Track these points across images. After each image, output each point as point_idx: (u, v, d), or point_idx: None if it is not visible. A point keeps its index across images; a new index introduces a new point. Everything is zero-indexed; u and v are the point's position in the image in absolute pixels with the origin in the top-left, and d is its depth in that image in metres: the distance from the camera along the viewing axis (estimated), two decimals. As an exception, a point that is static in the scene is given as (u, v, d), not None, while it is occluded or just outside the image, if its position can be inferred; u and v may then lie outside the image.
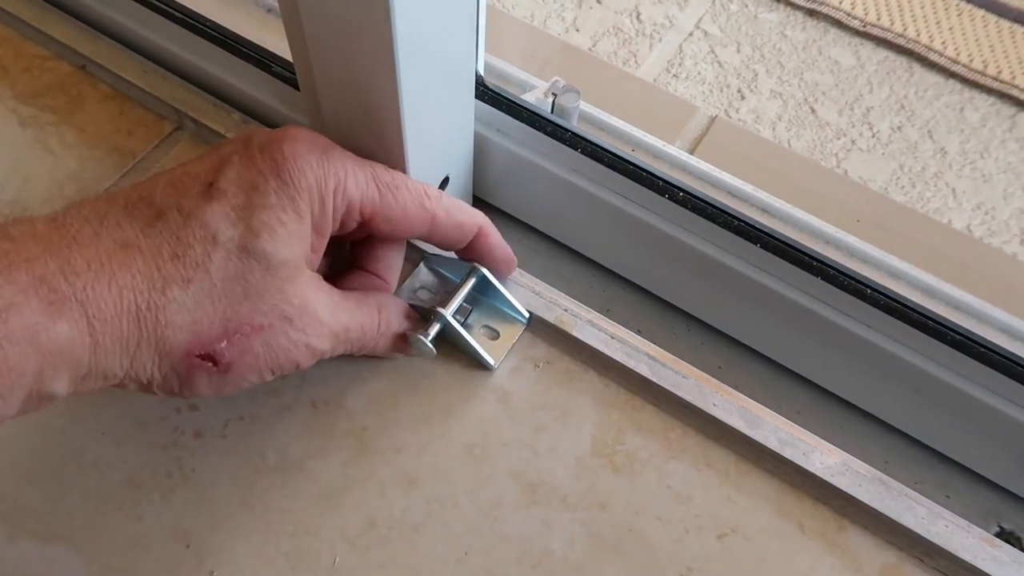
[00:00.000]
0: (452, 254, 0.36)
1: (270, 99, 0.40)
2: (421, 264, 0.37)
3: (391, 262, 0.35)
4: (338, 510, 0.32)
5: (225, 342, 0.27)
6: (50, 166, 0.40)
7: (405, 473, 0.33)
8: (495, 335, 0.36)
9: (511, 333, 0.36)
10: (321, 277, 0.30)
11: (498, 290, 0.35)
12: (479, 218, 0.34)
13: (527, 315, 0.36)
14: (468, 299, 0.35)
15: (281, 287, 0.27)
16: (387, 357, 0.35)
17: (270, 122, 0.41)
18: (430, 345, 0.33)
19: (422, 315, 0.34)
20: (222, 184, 0.27)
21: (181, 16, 0.41)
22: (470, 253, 0.34)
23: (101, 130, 0.42)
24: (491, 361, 0.35)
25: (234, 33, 0.40)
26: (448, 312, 0.34)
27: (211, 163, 0.28)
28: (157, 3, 0.41)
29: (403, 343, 0.34)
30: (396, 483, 0.33)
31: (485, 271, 0.35)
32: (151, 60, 0.43)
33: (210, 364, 0.27)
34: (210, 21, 0.41)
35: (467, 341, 0.34)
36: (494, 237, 0.34)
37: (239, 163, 0.28)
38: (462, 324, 0.35)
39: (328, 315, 0.29)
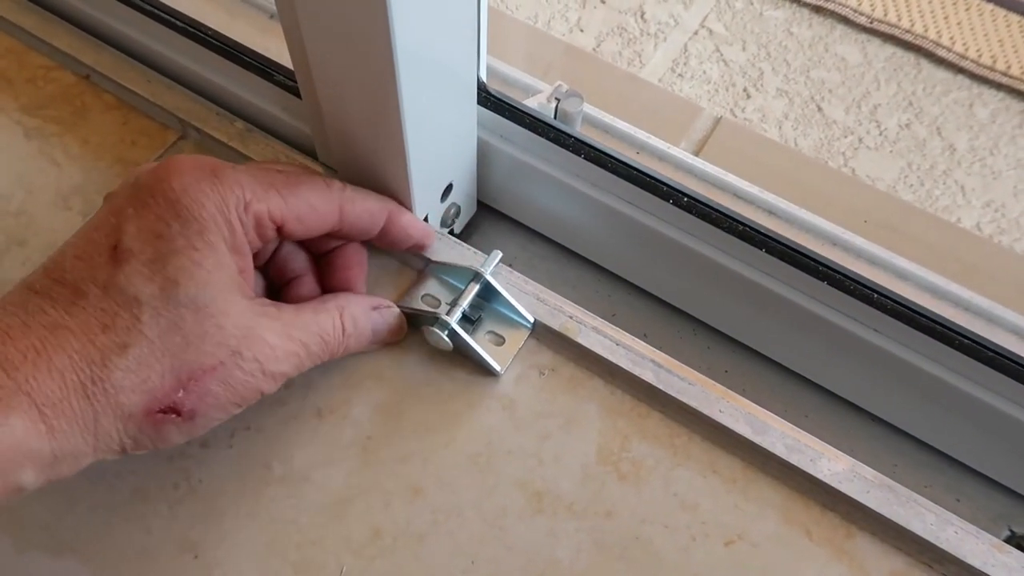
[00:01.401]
0: (455, 261, 0.36)
1: (272, 107, 0.40)
2: (426, 272, 0.37)
3: (348, 262, 0.34)
4: (344, 520, 0.32)
5: (181, 391, 0.27)
6: (55, 177, 0.41)
7: (410, 482, 0.33)
8: (500, 341, 0.36)
9: (516, 338, 0.36)
10: (263, 299, 0.30)
11: (502, 296, 0.35)
12: (388, 203, 0.34)
13: (532, 320, 0.36)
14: (473, 305, 0.35)
15: (219, 324, 0.27)
16: (372, 351, 0.35)
17: (273, 131, 0.41)
18: (447, 339, 0.34)
19: (427, 322, 0.34)
20: (126, 243, 0.27)
21: (184, 26, 0.41)
22: (387, 238, 0.34)
23: (105, 140, 0.42)
24: (497, 367, 0.35)
25: (236, 42, 0.40)
26: (453, 319, 0.34)
27: (108, 224, 0.28)
28: (160, 13, 0.41)
29: (389, 335, 0.34)
30: (401, 493, 0.32)
31: (488, 277, 0.35)
32: (154, 70, 0.43)
33: (174, 415, 0.27)
34: (212, 30, 0.41)
35: (472, 347, 0.34)
36: (406, 216, 0.34)
37: (135, 215, 0.27)
38: (468, 331, 0.35)
39: (278, 337, 0.29)
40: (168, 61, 0.43)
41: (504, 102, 0.38)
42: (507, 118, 0.38)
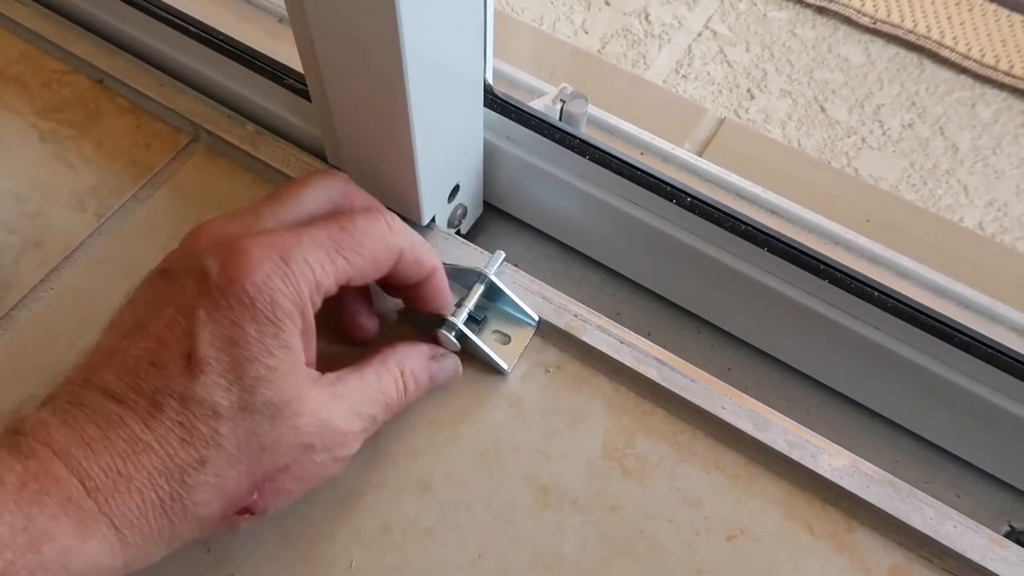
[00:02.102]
0: (464, 265, 0.37)
1: (283, 111, 0.41)
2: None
3: (437, 289, 0.34)
4: (354, 515, 0.33)
5: (256, 494, 0.27)
6: (70, 179, 0.41)
7: (419, 478, 0.33)
8: (506, 340, 0.36)
9: (522, 337, 0.36)
10: (327, 377, 0.29)
11: (507, 295, 0.36)
12: (436, 258, 0.33)
13: (536, 318, 0.36)
14: (478, 306, 0.36)
15: (294, 425, 0.27)
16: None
17: (284, 133, 0.42)
18: (454, 339, 0.34)
19: (434, 325, 0.35)
20: (201, 351, 0.26)
21: (196, 31, 0.41)
22: (417, 290, 0.33)
23: (119, 143, 0.43)
24: (505, 366, 0.35)
25: (247, 47, 0.41)
26: (459, 320, 0.34)
27: (180, 326, 0.26)
28: (173, 18, 0.42)
29: (448, 382, 0.34)
30: (410, 488, 0.33)
31: (492, 276, 0.36)
32: (167, 74, 0.44)
33: (247, 514, 0.28)
34: (224, 35, 0.41)
35: (480, 347, 0.35)
36: (444, 280, 0.34)
37: (208, 320, 0.26)
38: (475, 331, 0.35)
39: (348, 422, 0.29)
40: (180, 65, 0.43)
41: (510, 104, 0.39)
42: (513, 120, 0.39)
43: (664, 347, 0.40)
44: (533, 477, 0.33)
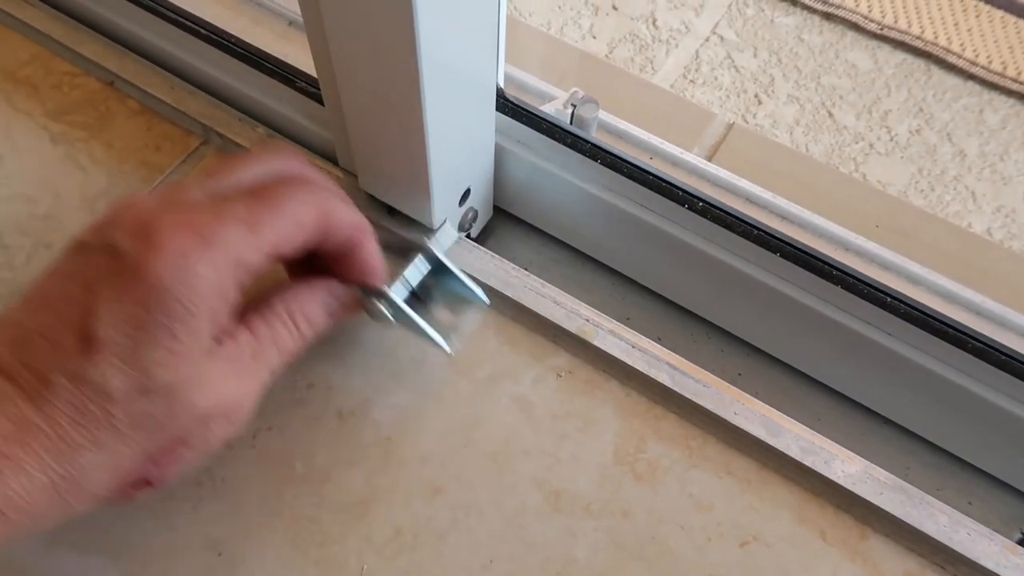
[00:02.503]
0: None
1: (294, 114, 0.41)
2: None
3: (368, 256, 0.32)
4: (365, 519, 0.33)
5: (152, 466, 0.27)
6: (80, 182, 0.41)
7: (430, 482, 0.33)
8: (453, 320, 0.35)
9: (470, 318, 0.35)
10: (226, 344, 0.28)
11: (452, 272, 0.34)
12: (365, 221, 0.31)
13: (487, 300, 0.35)
14: (423, 285, 0.33)
15: (191, 402, 0.26)
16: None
17: (295, 136, 0.42)
18: (386, 312, 0.32)
19: (370, 295, 0.32)
20: (99, 331, 0.25)
21: (207, 33, 0.42)
22: (348, 259, 0.31)
23: (129, 145, 0.43)
24: (444, 345, 0.33)
25: (259, 49, 0.41)
26: (393, 291, 0.32)
27: (79, 302, 0.25)
28: (183, 20, 0.42)
29: (345, 311, 0.32)
30: (421, 492, 0.33)
31: (434, 248, 0.33)
32: (178, 76, 0.44)
33: (144, 485, 0.28)
34: (235, 37, 0.41)
35: (415, 322, 0.32)
36: (374, 245, 0.32)
37: (112, 298, 0.25)
38: (416, 308, 0.33)
39: (244, 386, 0.28)
40: (191, 68, 0.43)
41: (521, 108, 0.39)
42: (524, 124, 0.39)
43: (674, 352, 0.40)
44: (544, 481, 0.33)
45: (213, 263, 0.26)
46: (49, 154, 0.42)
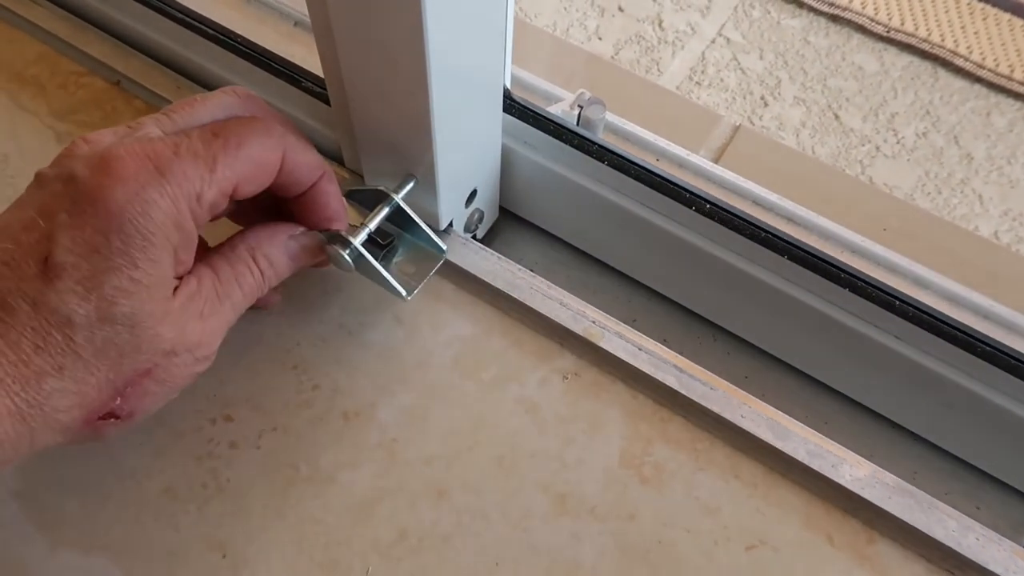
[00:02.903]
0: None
1: (301, 113, 0.41)
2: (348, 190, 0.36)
3: (328, 200, 0.33)
4: (370, 521, 0.32)
5: (119, 399, 0.27)
6: (86, 181, 0.41)
7: (435, 484, 0.33)
8: (412, 269, 0.35)
9: (428, 266, 0.35)
10: (187, 281, 0.28)
11: (414, 222, 0.34)
12: (323, 162, 0.32)
13: (444, 247, 0.35)
14: (384, 232, 0.34)
15: (155, 333, 0.26)
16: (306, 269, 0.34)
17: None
18: (347, 258, 0.32)
19: (330, 241, 0.33)
20: (58, 256, 0.25)
21: (213, 32, 0.41)
22: (306, 199, 0.32)
23: (135, 145, 0.43)
24: (402, 290, 0.34)
25: (265, 49, 0.41)
26: (356, 238, 0.32)
27: (39, 228, 0.25)
28: (190, 20, 0.42)
29: (309, 257, 0.33)
30: (426, 494, 0.33)
31: (397, 199, 0.34)
32: (184, 76, 0.44)
33: (112, 419, 0.27)
34: (241, 37, 0.41)
35: (374, 267, 0.33)
36: (334, 185, 0.33)
37: (70, 224, 0.25)
38: (377, 256, 0.34)
39: (207, 322, 0.29)
40: (197, 67, 0.43)
41: (528, 109, 0.39)
42: (531, 125, 0.39)
43: (681, 354, 0.40)
44: (550, 484, 0.33)
45: (170, 194, 0.26)
46: (54, 153, 0.42)
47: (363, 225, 0.33)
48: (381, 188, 0.34)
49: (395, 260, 0.35)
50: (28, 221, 0.26)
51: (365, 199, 0.35)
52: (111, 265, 0.25)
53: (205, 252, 0.31)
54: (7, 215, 0.27)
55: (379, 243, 0.35)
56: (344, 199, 0.33)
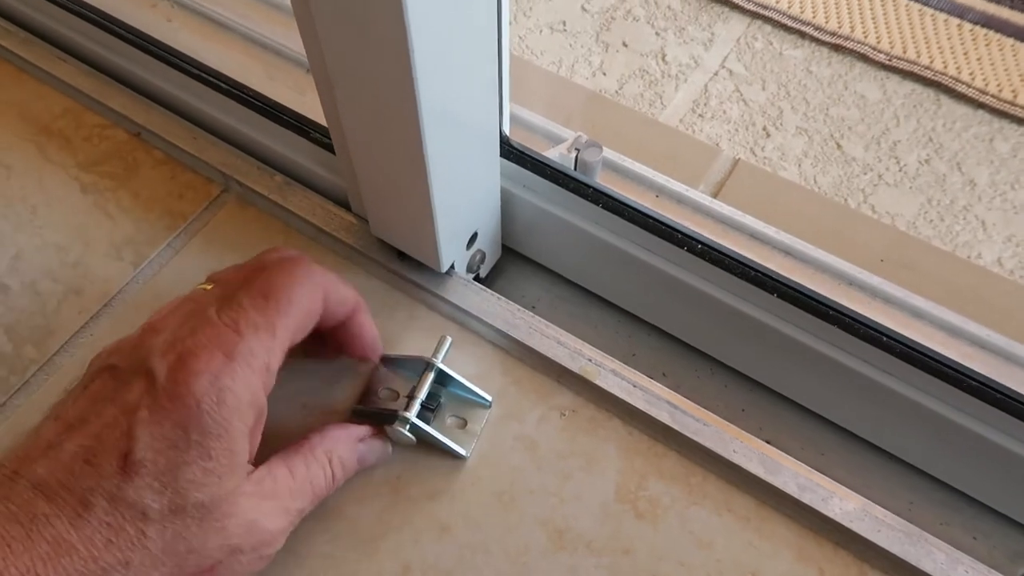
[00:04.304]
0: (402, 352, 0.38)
1: (309, 162, 0.43)
2: (379, 365, 0.37)
3: (361, 332, 0.35)
4: (375, 556, 0.34)
5: None
6: (108, 230, 0.44)
7: (438, 520, 0.34)
8: (463, 423, 0.37)
9: (478, 418, 0.37)
10: (259, 473, 0.29)
11: (457, 380, 0.36)
12: (357, 295, 0.34)
13: (489, 399, 0.37)
14: (431, 394, 0.36)
15: (222, 527, 0.27)
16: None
17: (310, 184, 0.44)
18: (409, 434, 0.34)
19: (387, 421, 0.35)
20: (138, 453, 0.26)
21: (228, 87, 0.44)
22: (342, 333, 0.34)
23: (155, 194, 0.45)
24: (462, 452, 0.35)
25: (276, 102, 0.43)
26: (412, 413, 0.34)
27: (120, 425, 0.26)
28: (205, 75, 0.44)
29: (376, 462, 0.35)
30: (430, 530, 0.34)
31: (439, 364, 0.36)
32: (200, 127, 0.46)
33: None
34: (254, 91, 0.43)
35: (436, 438, 0.35)
36: (368, 317, 0.34)
37: (149, 421, 0.26)
38: (429, 419, 0.36)
39: (275, 520, 0.29)
40: (213, 119, 0.46)
41: (526, 154, 0.40)
42: (529, 169, 0.40)
43: (679, 387, 0.41)
44: (548, 519, 0.34)
45: (242, 377, 0.27)
46: (79, 204, 0.45)
47: (414, 397, 0.35)
48: (423, 357, 0.36)
49: (445, 417, 0.37)
50: (110, 419, 0.27)
51: (407, 366, 0.37)
52: (187, 459, 0.26)
53: (283, 450, 0.32)
54: (84, 405, 0.28)
55: (427, 407, 0.36)
56: (375, 332, 0.35)
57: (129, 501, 0.26)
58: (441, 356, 0.36)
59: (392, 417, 0.34)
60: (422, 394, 0.35)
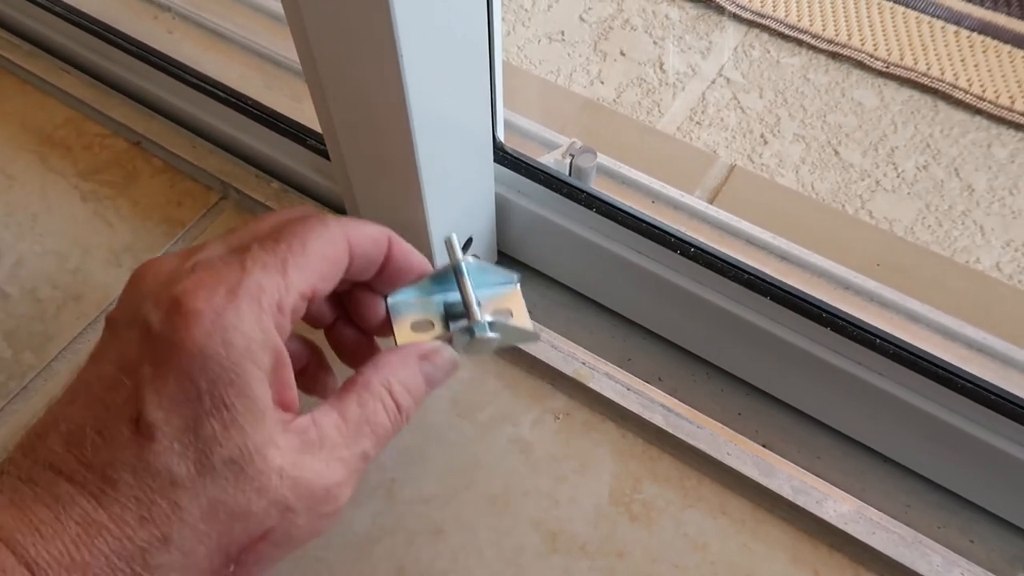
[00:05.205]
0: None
1: (305, 169, 0.43)
2: (389, 306, 0.32)
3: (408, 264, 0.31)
4: (369, 559, 0.34)
5: (232, 566, 0.24)
6: (108, 237, 0.44)
7: (432, 523, 0.34)
8: (508, 312, 0.32)
9: (516, 300, 0.33)
10: (302, 421, 0.26)
11: (485, 271, 0.32)
12: (384, 228, 0.30)
13: (516, 275, 0.33)
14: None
15: (262, 485, 0.24)
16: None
17: (306, 190, 0.44)
18: (490, 335, 0.30)
19: (462, 340, 0.30)
20: (149, 415, 0.23)
21: (225, 96, 0.44)
22: (390, 266, 0.30)
23: (154, 201, 0.45)
24: (536, 332, 0.32)
25: (273, 110, 0.43)
26: (484, 317, 0.30)
27: (124, 387, 0.24)
28: (204, 84, 0.45)
29: (446, 378, 0.30)
30: (424, 533, 0.34)
31: (468, 259, 0.31)
32: (199, 136, 0.47)
33: None
34: (252, 100, 0.44)
35: (515, 328, 0.31)
36: (405, 243, 0.30)
37: (154, 376, 0.23)
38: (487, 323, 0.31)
39: (329, 473, 0.25)
40: (211, 128, 0.46)
41: (520, 160, 0.40)
42: (523, 175, 0.41)
43: (675, 391, 0.41)
44: (542, 522, 0.34)
45: (249, 314, 0.24)
46: (79, 211, 0.45)
47: (469, 305, 0.30)
48: (442, 266, 0.32)
49: (491, 311, 0.32)
50: (111, 379, 0.24)
51: (419, 289, 0.32)
52: (202, 411, 0.23)
53: (337, 392, 0.28)
54: (87, 371, 0.25)
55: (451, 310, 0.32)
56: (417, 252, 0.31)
57: (153, 470, 0.23)
58: (459, 254, 0.31)
59: (468, 332, 0.30)
60: (473, 298, 0.30)
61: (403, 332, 0.31)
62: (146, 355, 0.24)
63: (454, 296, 0.31)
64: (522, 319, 0.32)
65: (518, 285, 0.33)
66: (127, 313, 0.25)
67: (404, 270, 0.30)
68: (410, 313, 0.32)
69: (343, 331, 0.32)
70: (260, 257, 0.25)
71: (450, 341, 0.30)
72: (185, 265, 0.26)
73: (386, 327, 0.31)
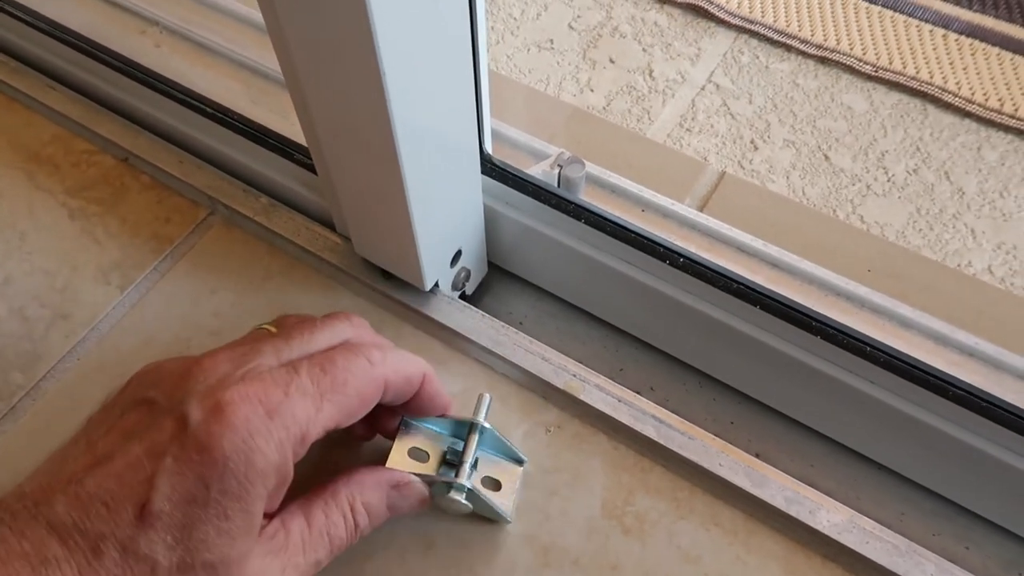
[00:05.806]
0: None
1: (293, 183, 0.43)
2: (403, 422, 0.34)
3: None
4: (362, 573, 0.34)
5: None
6: (96, 254, 0.44)
7: (424, 537, 0.34)
8: (496, 484, 0.34)
9: (510, 476, 0.35)
10: (272, 526, 0.28)
11: (496, 438, 0.34)
12: (422, 364, 0.32)
13: (525, 458, 0.35)
14: (455, 450, 0.34)
15: None
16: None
17: (294, 205, 0.44)
18: (464, 502, 0.32)
19: (440, 491, 0.32)
20: (156, 504, 0.25)
21: (212, 111, 0.44)
22: (414, 402, 0.32)
23: (142, 218, 0.45)
24: (508, 517, 0.34)
25: (260, 125, 0.43)
26: (468, 480, 0.32)
27: (143, 470, 0.26)
28: (191, 100, 0.45)
29: (411, 512, 0.33)
30: (415, 548, 0.34)
31: (486, 424, 0.33)
32: (186, 151, 0.47)
33: None
34: (239, 115, 0.44)
35: (490, 502, 0.33)
36: (437, 381, 0.33)
37: (174, 470, 0.25)
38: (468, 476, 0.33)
39: (286, 574, 0.28)
40: (199, 143, 0.46)
41: (508, 172, 0.40)
42: (511, 186, 0.40)
43: (667, 401, 0.41)
44: (534, 536, 0.34)
45: (276, 440, 0.26)
46: (67, 229, 0.45)
47: (463, 462, 0.32)
48: (467, 418, 0.33)
49: (479, 477, 0.34)
50: (135, 461, 0.26)
51: (432, 421, 0.34)
52: (204, 515, 0.25)
53: (305, 498, 0.30)
54: (115, 440, 0.27)
55: (452, 462, 0.34)
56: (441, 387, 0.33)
57: (140, 554, 0.25)
58: (483, 415, 0.33)
59: (446, 487, 0.32)
60: (470, 458, 0.33)
61: (399, 453, 0.33)
62: (174, 446, 0.26)
63: (460, 446, 0.33)
64: (506, 497, 0.34)
65: (522, 467, 0.35)
66: (171, 400, 0.27)
67: (428, 409, 0.33)
68: (416, 439, 0.34)
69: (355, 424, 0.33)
70: (304, 386, 0.28)
71: (431, 483, 0.33)
72: (237, 372, 0.28)
73: (392, 437, 0.34)
